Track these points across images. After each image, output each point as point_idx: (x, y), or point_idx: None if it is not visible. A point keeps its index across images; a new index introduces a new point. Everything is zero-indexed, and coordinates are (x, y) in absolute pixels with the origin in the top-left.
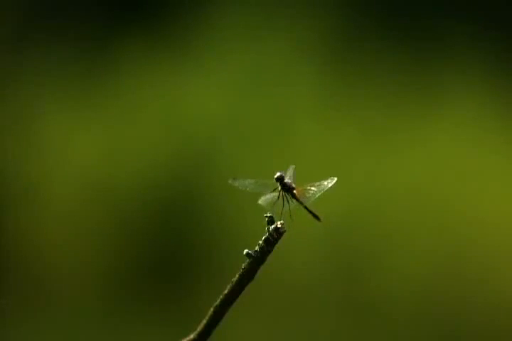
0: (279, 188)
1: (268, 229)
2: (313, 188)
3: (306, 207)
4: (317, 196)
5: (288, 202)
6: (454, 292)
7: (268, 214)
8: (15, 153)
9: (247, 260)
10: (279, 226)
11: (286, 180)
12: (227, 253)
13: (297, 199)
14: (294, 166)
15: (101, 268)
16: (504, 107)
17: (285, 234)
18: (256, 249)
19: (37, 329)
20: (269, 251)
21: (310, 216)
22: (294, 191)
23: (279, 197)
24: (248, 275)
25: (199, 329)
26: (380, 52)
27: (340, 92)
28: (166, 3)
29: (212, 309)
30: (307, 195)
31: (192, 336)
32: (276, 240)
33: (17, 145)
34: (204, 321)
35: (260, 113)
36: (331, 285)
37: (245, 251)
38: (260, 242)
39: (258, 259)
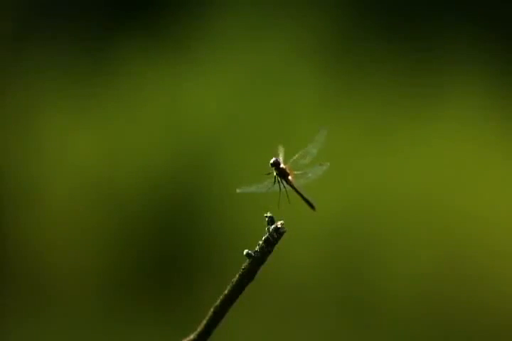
0: (274, 174)
1: (268, 229)
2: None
3: (300, 194)
4: (311, 179)
5: (284, 187)
6: (454, 292)
7: (268, 214)
8: (15, 153)
9: (247, 260)
10: (279, 226)
11: (282, 165)
12: (227, 253)
13: (292, 186)
14: (282, 149)
15: (101, 268)
16: (504, 107)
17: (285, 234)
18: (256, 249)
19: (37, 329)
20: (269, 251)
21: (305, 204)
22: (290, 177)
23: (274, 182)
24: (248, 276)
25: (199, 329)
26: (380, 53)
27: (340, 92)
28: (166, 4)
29: (212, 309)
30: (305, 176)
31: (192, 336)
32: (276, 240)
33: (17, 146)
34: (204, 321)
35: (260, 113)
36: (331, 285)
37: (245, 251)
38: (260, 242)
39: (258, 259)
